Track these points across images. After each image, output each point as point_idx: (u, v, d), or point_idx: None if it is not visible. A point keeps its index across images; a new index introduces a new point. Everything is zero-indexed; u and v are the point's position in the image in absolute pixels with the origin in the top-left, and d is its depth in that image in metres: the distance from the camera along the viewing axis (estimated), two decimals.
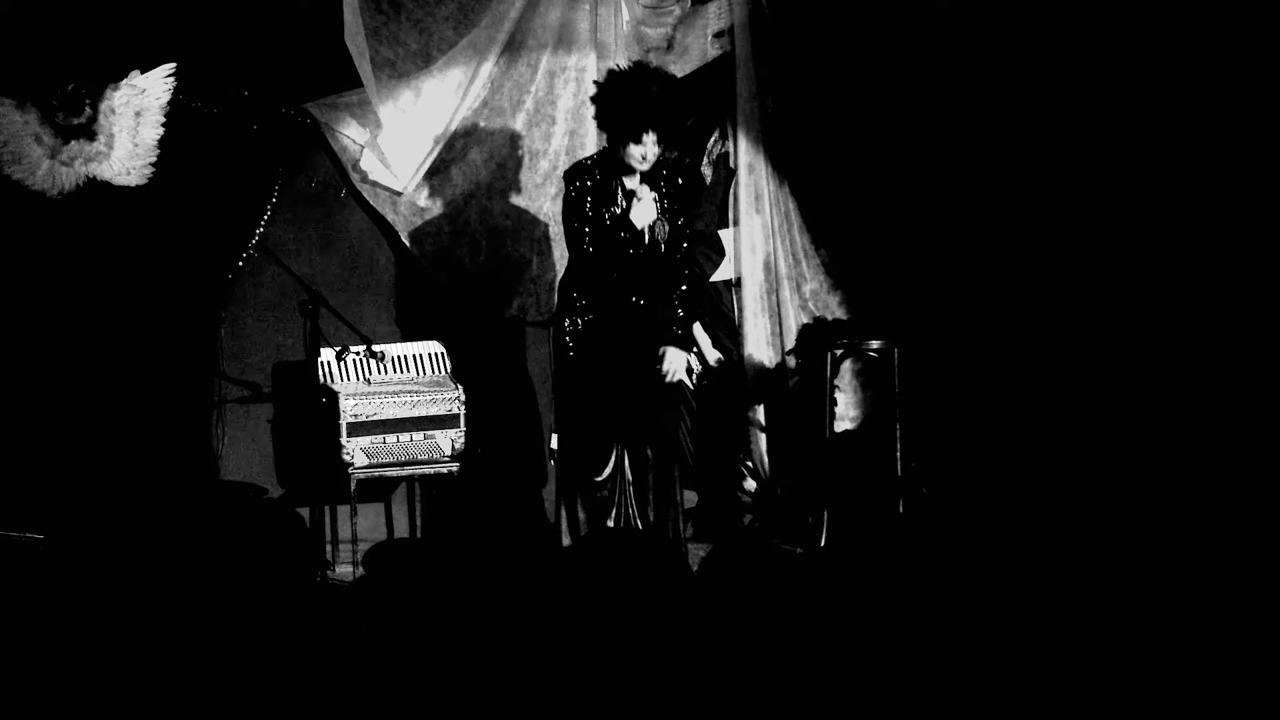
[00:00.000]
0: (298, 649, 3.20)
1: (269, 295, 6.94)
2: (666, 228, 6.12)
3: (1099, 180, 6.68)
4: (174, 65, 6.59)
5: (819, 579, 3.34)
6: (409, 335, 7.02)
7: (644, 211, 6.11)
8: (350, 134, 6.91)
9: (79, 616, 4.10)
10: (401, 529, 7.07)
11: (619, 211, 6.09)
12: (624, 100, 6.03)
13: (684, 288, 6.21)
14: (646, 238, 6.12)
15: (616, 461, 6.26)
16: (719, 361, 6.70)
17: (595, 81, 6.26)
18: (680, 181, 6.21)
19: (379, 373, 6.70)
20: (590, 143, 7.00)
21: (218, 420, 6.88)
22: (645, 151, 6.05)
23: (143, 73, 6.59)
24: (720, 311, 7.19)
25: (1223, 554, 5.79)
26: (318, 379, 6.66)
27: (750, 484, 7.23)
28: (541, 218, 7.09)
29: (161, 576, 3.84)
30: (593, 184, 6.13)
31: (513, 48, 7.01)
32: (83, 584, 4.91)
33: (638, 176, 6.12)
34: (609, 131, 6.13)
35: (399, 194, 6.99)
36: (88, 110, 6.55)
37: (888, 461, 6.87)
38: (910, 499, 6.78)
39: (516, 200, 7.09)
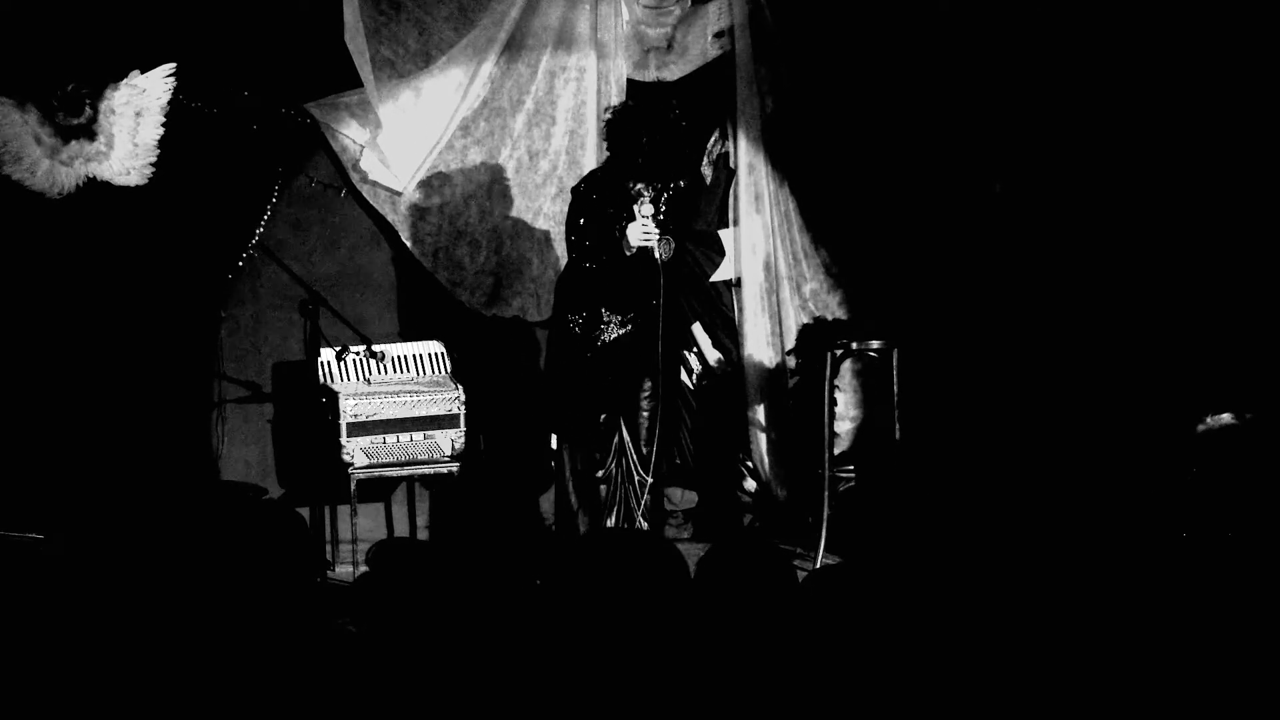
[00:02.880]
0: (300, 649, 3.20)
1: (269, 295, 6.94)
2: (671, 245, 6.19)
3: (1097, 180, 6.68)
4: (174, 65, 6.59)
5: (819, 579, 3.34)
6: (409, 335, 7.02)
7: (645, 231, 6.15)
8: (350, 134, 6.91)
9: (79, 616, 4.10)
10: (401, 529, 7.07)
11: (620, 233, 6.15)
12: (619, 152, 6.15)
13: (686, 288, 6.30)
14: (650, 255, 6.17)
15: (615, 460, 6.27)
16: (719, 361, 6.71)
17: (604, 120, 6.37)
18: (679, 187, 6.26)
19: (379, 373, 6.70)
20: (590, 143, 7.01)
21: (218, 420, 6.88)
22: (645, 225, 6.12)
23: (143, 73, 6.58)
24: (720, 311, 7.19)
25: (1225, 558, 5.79)
26: (318, 379, 6.66)
27: (750, 484, 7.23)
28: (542, 218, 7.09)
29: (162, 577, 3.84)
30: (598, 198, 6.17)
31: (513, 48, 7.01)
32: (83, 584, 4.91)
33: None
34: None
35: (399, 194, 6.99)
36: (88, 110, 6.55)
37: (887, 460, 6.88)
38: (910, 497, 6.79)
39: (517, 200, 7.09)
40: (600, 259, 6.15)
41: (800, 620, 3.20)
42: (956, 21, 6.84)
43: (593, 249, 6.15)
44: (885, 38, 6.94)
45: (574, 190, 6.33)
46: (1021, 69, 6.73)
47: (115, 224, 6.61)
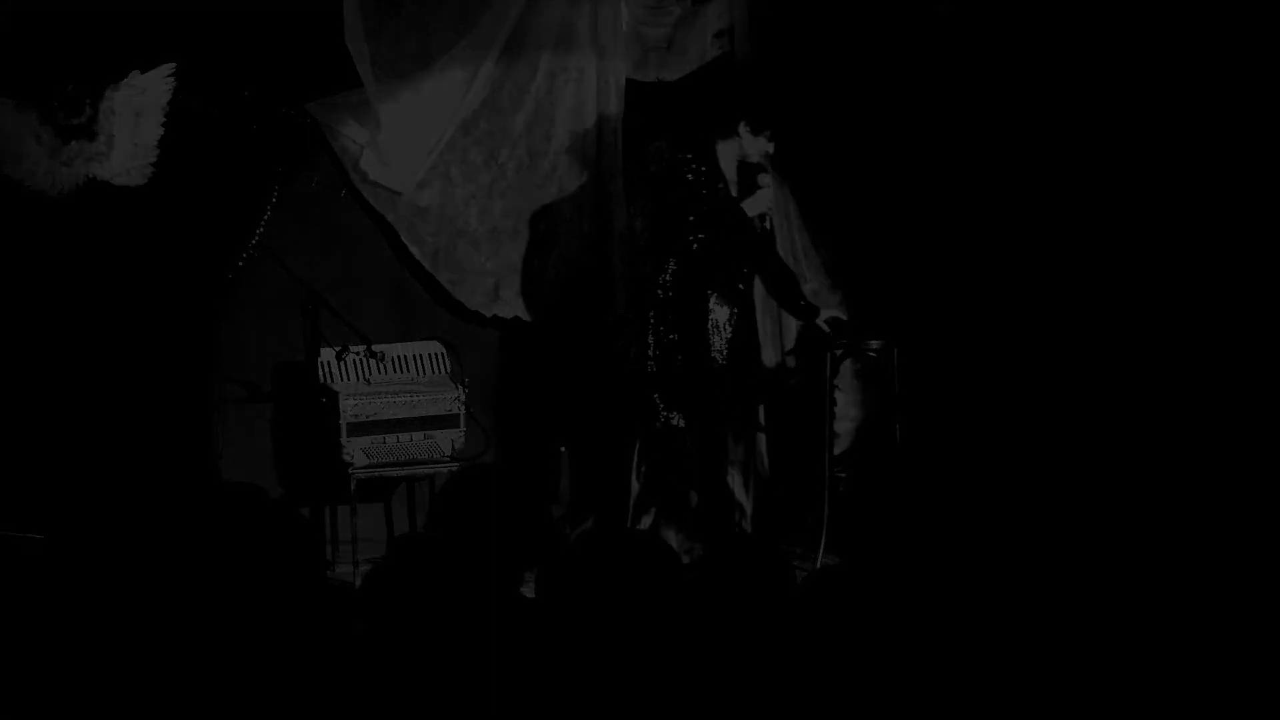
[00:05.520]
0: (304, 650, 3.20)
1: (269, 295, 6.93)
2: None
3: (1098, 181, 6.68)
4: (174, 65, 6.59)
5: (819, 580, 3.34)
6: (409, 335, 7.02)
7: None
8: (350, 134, 6.91)
9: (79, 617, 4.11)
10: (401, 529, 7.06)
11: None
12: None
13: None
14: None
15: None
16: None
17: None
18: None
19: (379, 373, 6.70)
20: (590, 143, 7.01)
21: (218, 420, 6.88)
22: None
23: (143, 73, 6.59)
24: None
25: (1226, 559, 5.80)
26: (318, 379, 6.66)
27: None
28: (542, 218, 7.09)
29: (162, 577, 3.84)
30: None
31: (513, 48, 7.01)
32: (83, 584, 4.91)
33: None
34: None
35: (399, 194, 6.98)
36: (88, 110, 6.55)
37: (887, 460, 6.88)
38: (910, 497, 6.79)
39: (517, 200, 7.08)
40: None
41: (799, 621, 3.20)
42: (957, 21, 6.84)
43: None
44: (886, 37, 6.94)
45: None
46: (1022, 68, 6.73)
47: (115, 224, 6.61)
